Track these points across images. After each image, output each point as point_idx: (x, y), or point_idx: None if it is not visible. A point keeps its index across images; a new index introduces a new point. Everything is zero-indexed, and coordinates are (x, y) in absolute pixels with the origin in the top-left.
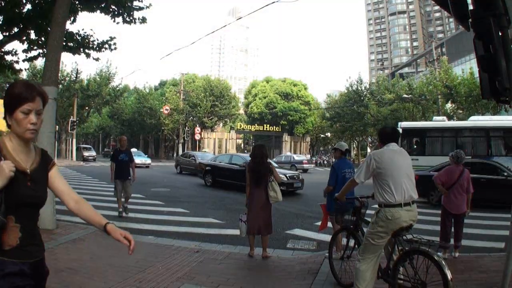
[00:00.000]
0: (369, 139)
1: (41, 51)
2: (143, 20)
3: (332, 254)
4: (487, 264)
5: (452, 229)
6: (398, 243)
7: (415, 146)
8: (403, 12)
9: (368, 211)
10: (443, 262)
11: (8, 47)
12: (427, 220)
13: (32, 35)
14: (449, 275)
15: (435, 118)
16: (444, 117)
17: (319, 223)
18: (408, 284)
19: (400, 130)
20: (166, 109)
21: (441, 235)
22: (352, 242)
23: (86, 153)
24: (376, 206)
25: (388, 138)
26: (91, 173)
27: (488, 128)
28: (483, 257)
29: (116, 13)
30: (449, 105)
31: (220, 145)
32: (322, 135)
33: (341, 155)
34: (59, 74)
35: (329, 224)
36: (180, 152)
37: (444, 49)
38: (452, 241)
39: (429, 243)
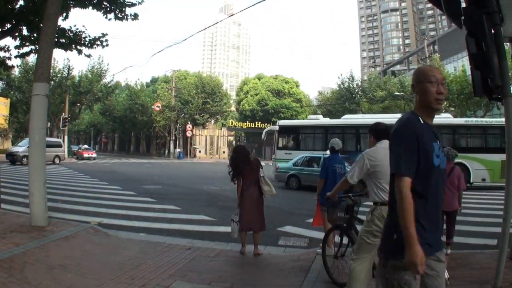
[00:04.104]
0: None
1: (33, 47)
2: (135, 16)
3: (326, 252)
4: (480, 261)
5: (444, 226)
6: None
7: (291, 142)
8: (396, 10)
9: (360, 209)
10: None
11: (0, 43)
12: None
13: (25, 31)
14: (446, 274)
15: (310, 116)
16: (319, 116)
17: (310, 220)
18: None
19: (277, 128)
20: (158, 106)
21: None
22: (345, 240)
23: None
24: (370, 203)
25: (382, 135)
26: (84, 171)
27: (358, 126)
28: (475, 254)
29: (108, 9)
30: None
31: (211, 142)
32: None
33: (334, 152)
34: (51, 71)
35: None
36: (172, 149)
37: (436, 47)
38: (444, 238)
39: None
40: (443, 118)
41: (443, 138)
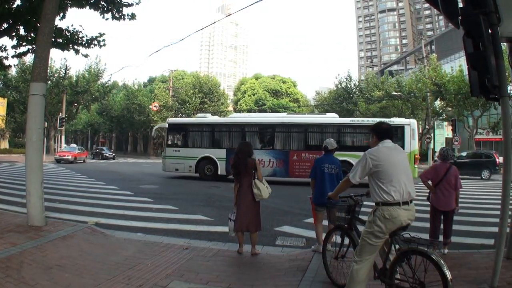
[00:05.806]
0: None
1: (30, 47)
2: (132, 16)
3: (326, 252)
4: (477, 261)
5: (442, 226)
6: (395, 243)
7: (180, 139)
8: (393, 10)
9: (362, 209)
10: (442, 262)
11: None
12: (417, 217)
13: (22, 31)
14: (449, 275)
15: (198, 114)
16: (207, 114)
17: (307, 220)
18: (406, 285)
19: (167, 125)
20: (155, 106)
21: (430, 232)
22: (346, 241)
23: None
24: (371, 203)
25: (384, 134)
26: (81, 171)
27: (243, 124)
28: (472, 254)
29: (105, 9)
30: (438, 103)
31: None
32: None
33: (326, 152)
34: (48, 70)
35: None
36: None
37: (433, 47)
38: (441, 238)
39: (427, 242)
40: (329, 117)
41: (330, 137)
